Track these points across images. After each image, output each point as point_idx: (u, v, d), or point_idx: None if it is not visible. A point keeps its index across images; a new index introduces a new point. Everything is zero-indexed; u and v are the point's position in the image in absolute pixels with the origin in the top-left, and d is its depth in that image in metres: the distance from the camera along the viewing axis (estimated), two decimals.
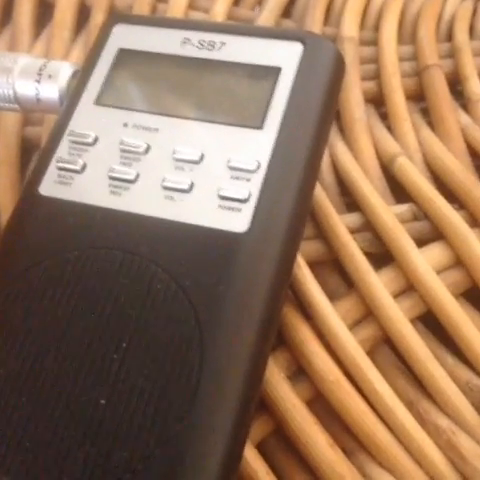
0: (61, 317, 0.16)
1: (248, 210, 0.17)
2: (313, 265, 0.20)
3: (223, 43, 0.19)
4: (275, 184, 0.17)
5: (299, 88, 0.18)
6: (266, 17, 0.28)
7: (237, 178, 0.17)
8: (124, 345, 0.15)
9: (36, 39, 0.28)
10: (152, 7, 0.29)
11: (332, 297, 0.19)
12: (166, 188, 0.17)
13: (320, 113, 0.18)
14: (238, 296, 0.16)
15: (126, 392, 0.15)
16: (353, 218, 0.21)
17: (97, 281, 0.16)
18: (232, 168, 0.17)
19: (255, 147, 0.18)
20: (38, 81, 0.21)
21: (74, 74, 0.21)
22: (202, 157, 0.18)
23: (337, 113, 0.25)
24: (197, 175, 0.18)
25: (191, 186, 0.17)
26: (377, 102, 0.26)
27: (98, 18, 0.28)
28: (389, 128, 0.24)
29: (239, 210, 0.17)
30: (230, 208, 0.17)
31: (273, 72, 0.19)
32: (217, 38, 0.20)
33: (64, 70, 0.21)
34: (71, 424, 0.15)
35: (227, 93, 0.19)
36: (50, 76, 0.21)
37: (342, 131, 0.24)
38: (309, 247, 0.20)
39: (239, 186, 0.17)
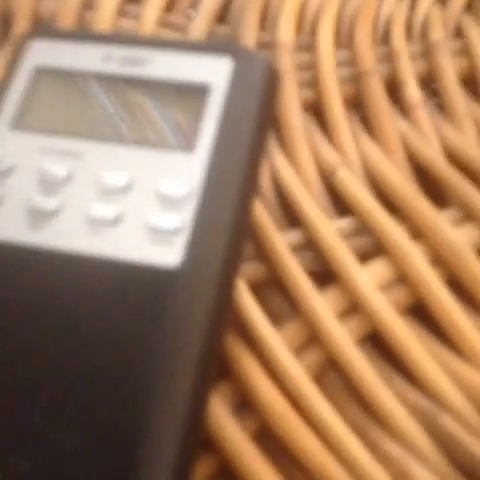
0: None
1: (180, 242, 0.15)
2: (254, 287, 0.19)
3: (148, 59, 0.18)
4: (209, 211, 0.16)
5: (230, 106, 0.17)
6: (199, 23, 0.27)
7: (167, 207, 0.16)
8: (51, 402, 0.14)
9: None
10: (78, 15, 0.27)
11: (276, 320, 0.18)
12: (91, 220, 0.16)
13: (254, 131, 0.17)
14: (173, 339, 0.14)
15: (53, 455, 0.13)
16: (294, 235, 0.20)
17: (19, 331, 0.14)
18: (162, 196, 0.16)
19: (186, 171, 0.16)
20: None
21: None
22: (129, 184, 0.16)
23: (275, 124, 0.24)
24: (124, 204, 0.16)
25: (118, 217, 0.16)
26: (316, 110, 0.25)
27: (20, 27, 0.26)
28: (329, 138, 0.23)
29: (170, 242, 0.15)
30: (161, 240, 0.15)
31: (202, 90, 0.17)
32: (141, 54, 0.18)
33: None
34: None
35: (154, 114, 0.17)
36: None
37: (281, 142, 0.23)
38: (249, 268, 0.19)
39: (170, 215, 0.16)
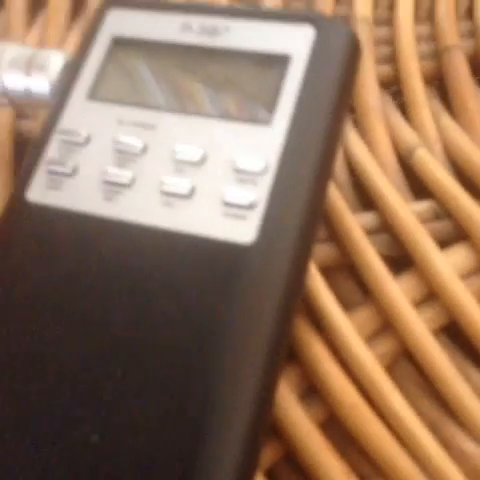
0: (49, 342, 0.14)
1: (255, 218, 0.14)
2: (326, 270, 0.18)
3: (227, 28, 0.17)
4: (285, 188, 0.15)
5: (311, 78, 0.16)
6: None
7: (243, 181, 0.15)
8: (120, 373, 0.13)
9: (31, 26, 0.25)
10: None
11: (347, 306, 0.17)
12: (164, 193, 0.15)
13: (334, 106, 0.16)
14: (244, 318, 0.13)
15: (121, 426, 0.13)
16: (369, 218, 0.18)
17: (91, 303, 0.14)
18: (237, 170, 0.15)
19: (263, 146, 0.15)
20: (28, 73, 0.19)
21: (66, 65, 0.18)
22: (204, 158, 0.15)
23: (352, 102, 0.22)
24: (199, 178, 0.15)
25: (192, 191, 0.15)
26: (394, 87, 0.23)
27: (95, 1, 0.25)
28: (407, 116, 0.22)
29: (245, 218, 0.14)
30: (235, 216, 0.14)
31: (282, 60, 0.16)
32: (220, 23, 0.17)
33: (55, 61, 0.19)
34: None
35: (232, 85, 0.16)
36: (40, 68, 0.19)
37: (356, 121, 0.22)
38: (322, 251, 0.18)
39: (245, 190, 0.15)
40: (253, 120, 0.16)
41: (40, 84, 0.18)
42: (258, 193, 0.15)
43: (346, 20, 0.24)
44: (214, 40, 0.17)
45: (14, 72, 0.19)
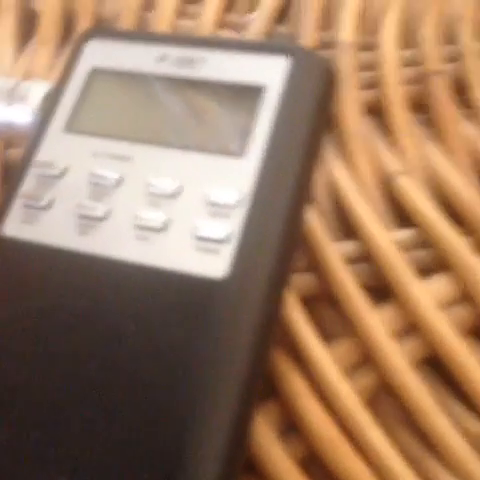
0: (19, 378, 0.13)
1: (228, 252, 0.14)
2: (306, 301, 0.17)
3: (203, 59, 0.16)
4: (259, 220, 0.14)
5: (285, 109, 0.15)
6: (259, 23, 0.25)
7: (216, 215, 0.14)
8: (90, 411, 0.13)
9: (19, 55, 0.25)
10: (138, 15, 0.26)
11: (328, 337, 0.17)
12: (138, 227, 0.15)
13: (309, 135, 0.15)
14: (217, 354, 0.13)
15: (90, 467, 0.12)
16: (350, 246, 0.18)
17: (63, 338, 0.14)
18: (211, 203, 0.15)
19: (237, 178, 0.15)
20: (9, 104, 0.19)
21: (46, 96, 0.18)
22: (178, 190, 0.15)
23: (333, 127, 0.22)
24: (172, 211, 0.15)
25: (166, 224, 0.15)
26: (377, 112, 0.23)
27: (83, 28, 0.25)
28: (390, 142, 0.22)
29: (218, 252, 0.14)
30: (208, 250, 0.14)
31: (256, 91, 0.16)
32: (196, 54, 0.17)
33: (36, 91, 0.19)
34: None
35: (207, 116, 0.16)
36: (21, 98, 0.19)
37: (338, 147, 0.21)
38: (302, 281, 0.17)
39: (218, 224, 0.14)
40: (227, 152, 0.15)
41: (21, 115, 0.18)
42: (232, 226, 0.14)
43: (329, 46, 0.24)
44: (190, 71, 0.16)
45: None
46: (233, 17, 0.26)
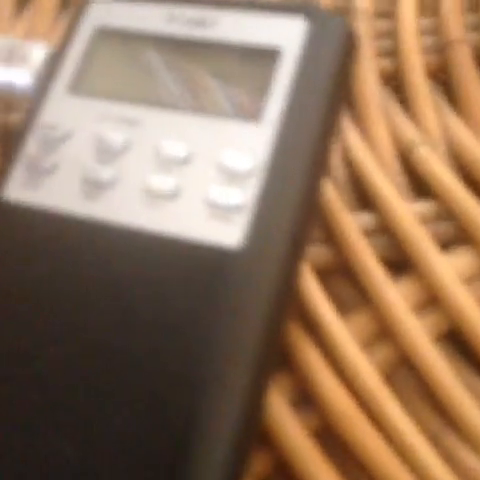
0: (27, 347, 0.13)
1: (242, 220, 0.13)
2: (322, 273, 0.17)
3: (215, 20, 0.16)
4: (274, 188, 0.14)
5: (303, 73, 0.15)
6: None
7: (230, 181, 0.14)
8: (100, 380, 0.12)
9: (18, 17, 0.25)
10: None
11: (344, 311, 0.16)
12: (148, 192, 0.14)
13: (328, 102, 0.15)
14: (231, 325, 0.12)
15: (101, 437, 0.12)
16: (367, 218, 0.18)
17: (71, 307, 0.13)
18: (224, 169, 0.14)
19: (252, 144, 0.14)
20: (9, 65, 0.18)
21: (48, 57, 0.18)
22: (190, 155, 0.14)
23: (350, 97, 0.21)
24: (184, 177, 0.14)
25: (176, 190, 0.14)
26: (395, 82, 0.22)
27: None
28: (409, 112, 0.21)
29: (231, 220, 0.13)
30: (221, 217, 0.13)
31: (273, 54, 0.15)
32: (208, 14, 0.16)
33: (37, 52, 0.18)
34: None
35: (220, 79, 0.15)
36: (22, 59, 0.18)
37: (355, 117, 0.21)
38: (317, 252, 0.17)
39: (232, 191, 0.14)
40: (242, 117, 0.15)
41: (22, 76, 0.18)
42: (246, 194, 0.14)
43: (344, 12, 0.23)
44: (202, 32, 0.16)
45: None
46: None
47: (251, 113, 0.15)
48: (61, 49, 0.16)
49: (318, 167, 0.15)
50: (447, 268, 0.16)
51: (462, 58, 0.21)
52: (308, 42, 0.15)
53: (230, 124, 0.15)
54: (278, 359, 0.14)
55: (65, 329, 0.13)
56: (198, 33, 0.16)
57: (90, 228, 0.14)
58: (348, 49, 0.16)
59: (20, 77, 0.17)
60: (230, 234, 0.13)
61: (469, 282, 0.16)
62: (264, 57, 0.15)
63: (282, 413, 0.14)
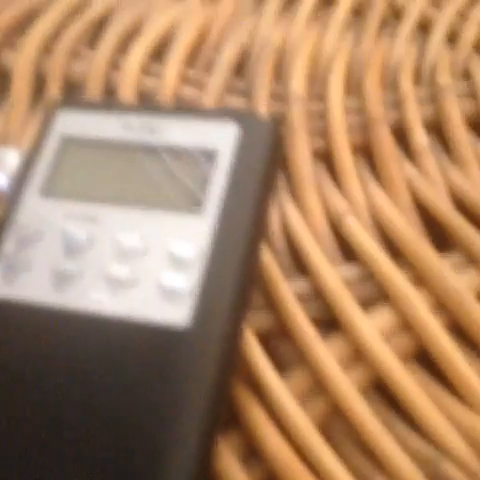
0: None
1: (189, 301, 0.16)
2: (262, 335, 0.19)
3: (162, 127, 0.19)
4: (216, 271, 0.16)
5: (236, 169, 0.18)
6: (217, 78, 0.28)
7: (178, 268, 0.17)
8: (67, 454, 0.15)
9: None
10: (106, 75, 0.28)
11: (283, 369, 0.19)
12: (109, 281, 0.17)
13: (259, 192, 0.18)
14: (180, 396, 0.15)
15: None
16: (302, 284, 0.20)
17: (39, 389, 0.15)
18: (173, 256, 0.17)
19: (195, 233, 0.17)
20: None
21: (21, 161, 0.20)
22: (143, 246, 0.17)
23: (286, 172, 0.24)
24: (138, 265, 0.17)
25: (133, 277, 0.17)
26: (327, 158, 0.25)
27: (53, 89, 0.27)
28: (338, 184, 0.24)
29: (180, 302, 0.16)
30: (171, 300, 0.16)
31: (210, 155, 0.18)
32: (156, 122, 0.19)
33: (12, 157, 0.21)
34: None
35: (167, 178, 0.18)
36: None
37: (291, 190, 0.24)
38: (257, 317, 0.20)
39: (180, 276, 0.16)
40: (186, 209, 0.18)
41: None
42: (192, 278, 0.16)
43: (282, 98, 0.27)
44: (151, 137, 0.19)
45: None
46: (193, 73, 0.29)
47: (194, 206, 0.17)
48: (31, 155, 0.19)
49: (255, 247, 0.18)
50: (369, 326, 0.19)
51: (381, 137, 0.25)
52: (240, 143, 0.18)
53: (177, 217, 0.17)
54: (226, 417, 0.17)
55: (35, 410, 0.15)
56: (148, 138, 0.19)
57: (59, 316, 0.16)
58: (274, 146, 0.19)
59: None
60: (179, 315, 0.16)
61: (389, 337, 0.19)
62: (204, 157, 0.18)
63: (231, 466, 0.17)
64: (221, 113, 0.19)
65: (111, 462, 0.15)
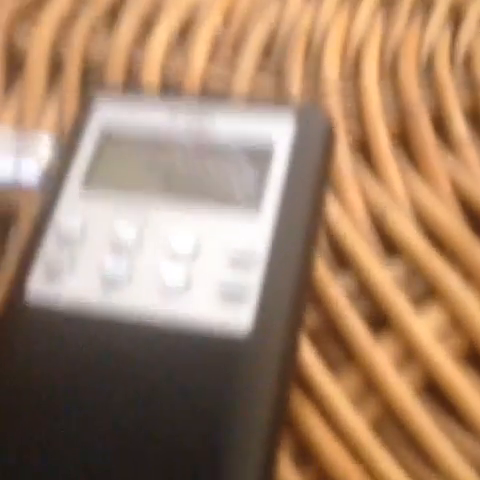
0: (54, 440, 0.14)
1: (249, 307, 0.15)
2: (313, 335, 0.19)
3: (212, 122, 0.18)
4: (276, 272, 0.16)
5: (294, 166, 0.17)
6: (247, 58, 0.27)
7: (236, 270, 0.16)
8: (127, 464, 0.14)
9: (8, 98, 0.26)
10: (129, 58, 0.27)
11: (335, 369, 0.18)
12: (162, 285, 0.16)
13: (316, 189, 0.17)
14: (240, 411, 0.14)
15: None
16: (349, 280, 0.20)
17: (95, 398, 0.15)
18: (230, 257, 0.16)
19: (252, 232, 0.16)
20: (17, 160, 0.20)
21: (57, 154, 0.19)
22: (198, 247, 0.16)
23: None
24: (193, 268, 0.16)
25: (188, 282, 0.16)
26: (363, 146, 0.24)
27: (72, 72, 0.26)
28: (377, 176, 0.23)
29: (240, 307, 0.15)
30: (230, 305, 0.15)
31: (266, 150, 0.17)
32: (206, 117, 0.18)
33: (43, 145, 0.20)
34: None
35: (220, 175, 0.17)
36: (29, 152, 0.20)
37: (332, 187, 0.23)
38: (308, 316, 0.19)
39: (239, 278, 0.16)
40: (242, 208, 0.17)
41: (30, 170, 0.19)
42: (251, 281, 0.16)
43: (314, 79, 0.26)
44: (201, 132, 0.18)
45: (1, 158, 0.20)
46: (222, 53, 0.27)
47: (251, 204, 0.17)
48: (70, 147, 0.18)
49: (312, 246, 0.17)
50: (421, 326, 0.19)
51: (419, 126, 0.24)
52: (296, 138, 0.17)
53: (233, 215, 0.17)
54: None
55: (92, 419, 0.15)
56: (198, 133, 0.18)
57: (109, 323, 0.16)
58: (330, 141, 0.18)
59: (28, 171, 0.19)
60: (239, 321, 0.15)
61: (442, 336, 0.19)
62: (259, 153, 0.17)
63: (285, 470, 0.16)
64: (277, 107, 0.18)
65: (169, 476, 0.14)
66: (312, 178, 0.17)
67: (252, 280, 0.16)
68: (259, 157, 0.17)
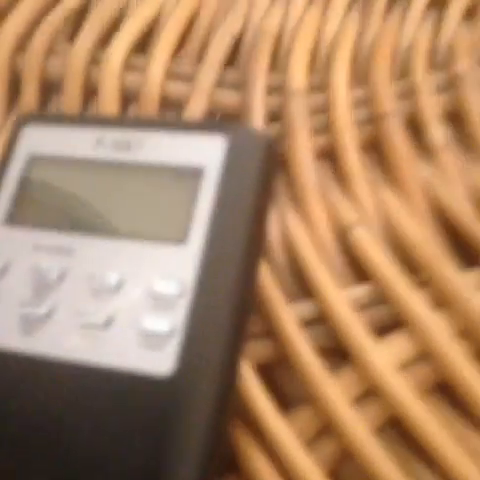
0: None
1: (173, 346, 0.14)
2: (262, 366, 0.18)
3: (140, 142, 0.17)
4: (203, 310, 0.15)
5: (225, 190, 0.16)
6: (207, 70, 0.26)
7: (159, 307, 0.15)
8: None
9: None
10: (86, 73, 0.26)
11: (286, 405, 0.17)
12: (82, 324, 0.15)
13: (250, 216, 0.16)
14: (170, 450, 0.14)
15: None
16: (305, 307, 0.19)
17: (12, 438, 0.14)
18: (153, 295, 0.15)
19: (179, 266, 0.15)
20: None
21: None
22: (121, 283, 0.16)
23: (287, 176, 0.22)
24: (116, 305, 0.15)
25: (109, 320, 0.15)
26: (331, 156, 0.23)
27: (29, 90, 0.26)
28: (344, 188, 0.22)
29: (163, 347, 0.14)
30: (152, 345, 0.14)
31: (195, 173, 0.16)
32: (133, 137, 0.17)
33: None
34: None
35: (146, 202, 0.16)
36: None
37: (292, 197, 0.22)
38: (257, 346, 0.18)
39: (162, 317, 0.15)
40: (168, 239, 0.16)
41: None
42: (176, 318, 0.15)
43: (279, 90, 0.25)
44: (127, 155, 0.17)
45: None
46: (181, 65, 0.27)
47: (177, 235, 0.16)
48: None
49: (250, 272, 0.16)
50: (382, 358, 0.17)
51: (392, 133, 0.23)
52: (229, 159, 0.16)
53: (158, 248, 0.16)
54: (225, 462, 0.15)
55: (10, 458, 0.14)
56: (124, 156, 0.17)
57: (29, 362, 0.15)
58: (268, 161, 0.17)
59: None
60: (162, 361, 0.14)
61: (405, 368, 0.17)
62: (188, 176, 0.16)
63: None
64: (207, 126, 0.17)
65: None
66: (245, 202, 0.16)
67: (178, 318, 0.15)
68: (188, 181, 0.16)
